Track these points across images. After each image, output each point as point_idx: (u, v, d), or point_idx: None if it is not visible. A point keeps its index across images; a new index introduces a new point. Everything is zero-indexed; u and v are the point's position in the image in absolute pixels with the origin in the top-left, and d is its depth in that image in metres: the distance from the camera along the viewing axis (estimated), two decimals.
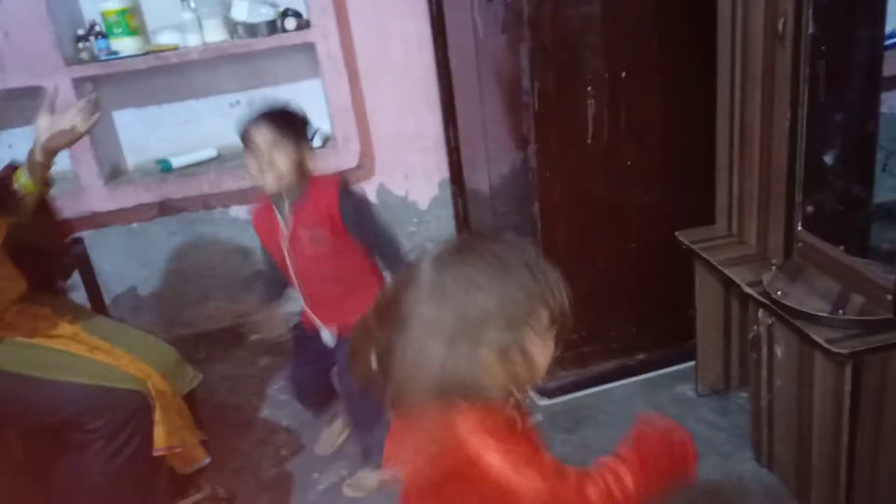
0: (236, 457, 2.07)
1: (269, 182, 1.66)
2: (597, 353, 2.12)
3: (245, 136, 1.66)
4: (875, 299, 1.38)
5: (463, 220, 2.81)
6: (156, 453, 1.54)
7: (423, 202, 2.81)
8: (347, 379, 1.78)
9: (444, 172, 2.77)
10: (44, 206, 1.74)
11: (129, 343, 1.66)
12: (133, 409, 1.51)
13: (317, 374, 1.93)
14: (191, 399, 1.75)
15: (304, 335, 1.88)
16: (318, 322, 1.80)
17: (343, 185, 1.74)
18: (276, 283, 1.87)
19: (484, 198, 2.51)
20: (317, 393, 1.99)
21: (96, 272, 2.56)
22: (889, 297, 1.33)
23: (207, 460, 1.71)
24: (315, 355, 1.88)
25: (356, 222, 1.72)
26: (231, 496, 1.87)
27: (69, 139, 1.61)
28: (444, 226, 2.85)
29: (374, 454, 1.84)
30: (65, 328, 1.61)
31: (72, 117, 1.58)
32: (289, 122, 1.68)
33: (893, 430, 1.41)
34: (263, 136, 1.64)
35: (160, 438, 1.55)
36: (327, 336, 1.80)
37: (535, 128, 1.89)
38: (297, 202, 1.71)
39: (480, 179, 2.51)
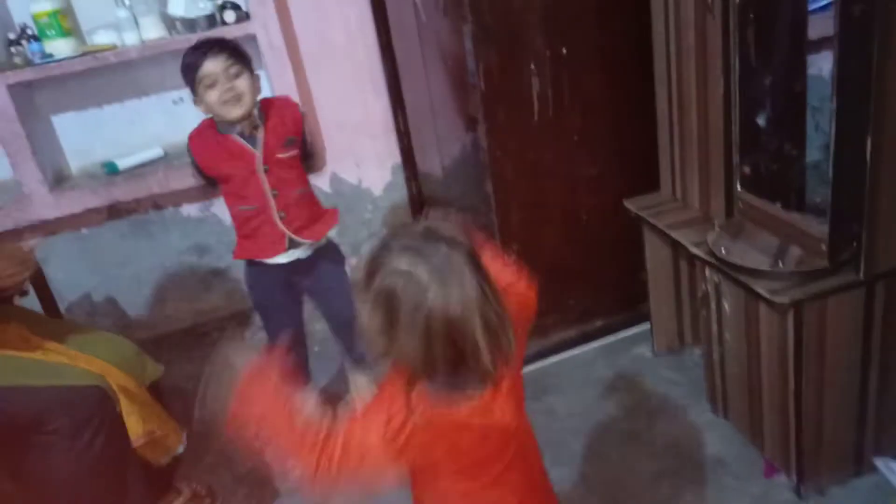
0: (209, 454, 2.08)
1: (236, 111, 1.67)
2: (557, 322, 2.19)
3: (198, 71, 1.64)
4: (812, 250, 1.46)
5: (417, 203, 2.84)
6: (135, 443, 1.53)
7: (377, 188, 2.83)
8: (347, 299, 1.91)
9: (395, 157, 2.79)
10: None
11: (83, 342, 1.64)
12: (93, 406, 1.49)
13: (294, 314, 1.97)
14: (156, 391, 1.74)
15: (260, 273, 1.87)
16: (295, 238, 1.81)
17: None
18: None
19: (437, 180, 2.55)
20: (298, 331, 2.00)
21: (48, 281, 2.52)
22: (824, 247, 1.42)
23: (182, 447, 1.69)
24: (282, 289, 1.90)
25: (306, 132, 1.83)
26: (212, 493, 1.88)
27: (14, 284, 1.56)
28: (399, 211, 2.88)
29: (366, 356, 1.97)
30: (13, 333, 1.57)
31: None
32: (239, 49, 1.69)
33: (835, 371, 1.51)
34: (223, 65, 1.63)
35: (136, 427, 1.53)
36: (302, 252, 1.84)
37: (482, 107, 1.93)
38: (268, 123, 1.75)
39: (432, 162, 2.54)
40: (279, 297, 1.91)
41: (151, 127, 2.60)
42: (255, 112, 1.73)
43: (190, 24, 2.38)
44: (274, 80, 2.50)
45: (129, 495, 1.56)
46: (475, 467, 1.02)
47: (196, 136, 1.79)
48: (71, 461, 1.46)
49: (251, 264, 1.89)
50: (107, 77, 2.45)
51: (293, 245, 1.82)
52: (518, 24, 1.87)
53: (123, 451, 1.53)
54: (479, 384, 0.96)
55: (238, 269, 2.78)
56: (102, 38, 2.36)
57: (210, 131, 1.76)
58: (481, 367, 0.91)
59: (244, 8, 2.43)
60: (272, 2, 2.40)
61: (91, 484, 1.50)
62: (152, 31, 2.37)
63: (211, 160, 1.77)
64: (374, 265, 0.92)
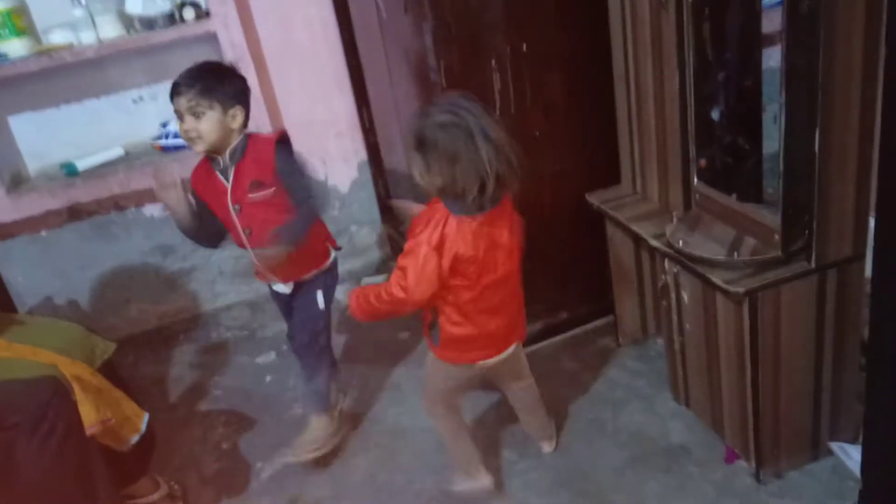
0: (176, 455, 2.06)
1: (196, 145, 1.64)
2: None
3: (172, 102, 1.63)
4: (766, 240, 1.50)
5: (385, 199, 2.84)
6: (88, 431, 1.50)
7: (344, 185, 2.83)
8: (301, 327, 1.89)
9: (361, 155, 2.79)
10: None
11: (29, 333, 1.62)
12: (48, 397, 1.46)
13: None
14: (110, 372, 1.70)
15: (271, 291, 1.93)
16: (269, 275, 1.81)
17: (280, 139, 1.73)
18: (212, 234, 1.80)
19: (403, 176, 2.55)
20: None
21: (7, 285, 2.48)
22: (777, 238, 1.46)
23: (139, 434, 1.66)
24: (280, 301, 1.95)
25: (287, 173, 1.70)
26: (184, 495, 1.88)
27: None
28: (366, 207, 2.87)
29: (322, 399, 1.92)
30: None
31: None
32: (209, 86, 1.61)
33: (790, 358, 1.55)
34: (182, 103, 1.60)
35: (89, 416, 1.50)
36: (281, 287, 1.85)
37: None
38: (240, 161, 1.68)
39: (398, 159, 2.54)
40: (279, 305, 1.98)
41: (111, 127, 2.56)
42: (237, 148, 1.68)
43: (148, 23, 2.35)
44: None
45: (96, 483, 1.54)
46: (478, 267, 1.44)
47: (194, 168, 1.75)
48: (34, 455, 1.43)
49: None
50: (64, 77, 2.41)
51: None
52: (478, 22, 1.88)
53: (84, 440, 1.50)
54: (490, 204, 1.40)
55: (203, 270, 2.77)
56: (58, 38, 2.32)
57: (204, 161, 1.73)
58: (493, 192, 1.34)
59: (204, 5, 2.40)
60: (232, 0, 2.38)
61: (57, 475, 1.47)
62: (110, 29, 2.33)
63: (201, 190, 1.75)
64: (421, 129, 1.31)
